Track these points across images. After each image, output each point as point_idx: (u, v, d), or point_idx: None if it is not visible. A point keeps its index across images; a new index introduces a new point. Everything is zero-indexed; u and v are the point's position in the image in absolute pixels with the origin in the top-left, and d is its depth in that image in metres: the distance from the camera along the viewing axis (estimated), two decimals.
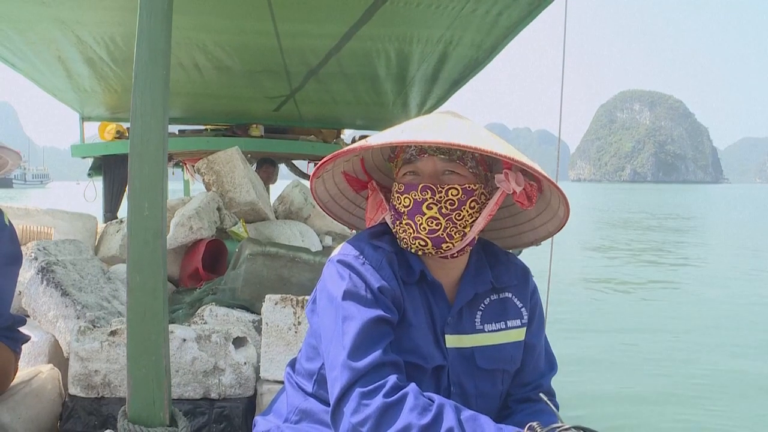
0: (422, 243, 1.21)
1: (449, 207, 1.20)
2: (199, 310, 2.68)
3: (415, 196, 1.21)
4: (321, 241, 4.19)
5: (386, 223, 1.32)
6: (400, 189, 1.25)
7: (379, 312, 1.15)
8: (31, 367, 2.31)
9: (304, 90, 4.21)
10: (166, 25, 1.41)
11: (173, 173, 6.78)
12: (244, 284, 2.85)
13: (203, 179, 3.97)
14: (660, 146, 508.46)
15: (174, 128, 5.47)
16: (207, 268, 3.48)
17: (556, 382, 1.39)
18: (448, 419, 1.04)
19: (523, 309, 1.32)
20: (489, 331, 1.28)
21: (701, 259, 14.57)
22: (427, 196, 1.20)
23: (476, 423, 1.05)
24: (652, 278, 11.71)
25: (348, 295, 1.17)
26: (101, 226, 3.92)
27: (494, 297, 1.31)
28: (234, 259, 3.09)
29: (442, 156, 1.22)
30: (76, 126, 5.14)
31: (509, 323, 1.30)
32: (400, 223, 1.24)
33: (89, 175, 5.46)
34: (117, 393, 2.07)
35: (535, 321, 1.35)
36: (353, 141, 5.69)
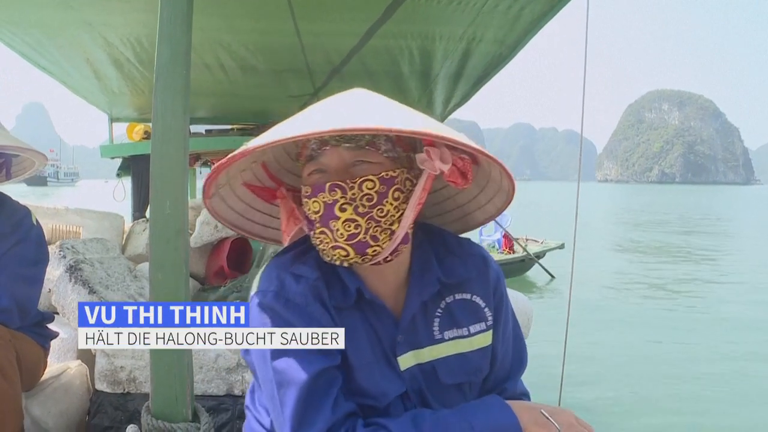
0: (343, 253, 1.00)
1: (367, 204, 0.99)
2: None
3: (324, 198, 1.00)
4: None
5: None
6: (307, 192, 1.04)
7: (317, 365, 0.99)
8: (61, 362, 2.37)
9: (327, 89, 4.21)
10: (186, 27, 1.43)
11: (201, 172, 6.87)
12: None
13: None
14: (689, 147, 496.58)
15: (201, 128, 5.55)
16: (232, 266, 3.52)
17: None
18: None
19: (486, 309, 1.14)
20: (450, 339, 1.11)
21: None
22: (338, 196, 0.99)
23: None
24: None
25: (277, 352, 1.01)
26: (128, 224, 3.99)
27: (450, 299, 1.12)
28: (258, 258, 3.11)
29: (348, 144, 1.01)
30: (104, 125, 5.24)
31: (472, 329, 1.12)
32: (315, 233, 1.04)
33: (118, 175, 5.56)
34: (142, 389, 2.11)
35: (502, 320, 1.17)
36: None
